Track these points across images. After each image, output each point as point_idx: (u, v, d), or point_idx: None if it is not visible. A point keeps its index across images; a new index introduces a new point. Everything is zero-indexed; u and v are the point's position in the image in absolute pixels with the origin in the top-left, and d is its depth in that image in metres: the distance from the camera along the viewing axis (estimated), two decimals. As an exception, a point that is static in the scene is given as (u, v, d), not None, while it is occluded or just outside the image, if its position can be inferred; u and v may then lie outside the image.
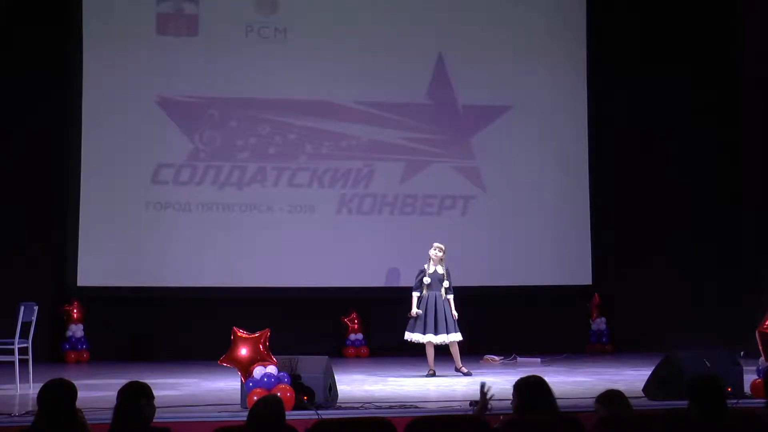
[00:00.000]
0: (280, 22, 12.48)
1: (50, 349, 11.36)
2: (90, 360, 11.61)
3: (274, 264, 12.16)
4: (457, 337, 9.81)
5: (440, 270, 9.92)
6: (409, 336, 9.89)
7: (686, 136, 13.10)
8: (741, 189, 12.98)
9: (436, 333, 9.78)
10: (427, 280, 9.85)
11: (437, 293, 9.87)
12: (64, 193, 11.86)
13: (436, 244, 10.00)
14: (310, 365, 7.28)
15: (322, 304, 12.29)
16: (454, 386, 9.09)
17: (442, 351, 9.95)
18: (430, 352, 9.88)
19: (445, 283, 9.89)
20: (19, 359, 8.65)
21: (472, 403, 6.74)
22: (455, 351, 9.88)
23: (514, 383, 4.88)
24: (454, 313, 9.85)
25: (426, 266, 9.93)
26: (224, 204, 12.22)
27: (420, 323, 9.81)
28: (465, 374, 9.77)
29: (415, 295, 9.89)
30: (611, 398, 4.90)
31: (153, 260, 11.93)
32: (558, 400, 4.92)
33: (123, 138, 11.99)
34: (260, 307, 11.56)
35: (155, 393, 4.71)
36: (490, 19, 12.91)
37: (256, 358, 7.04)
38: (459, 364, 9.89)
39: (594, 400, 4.97)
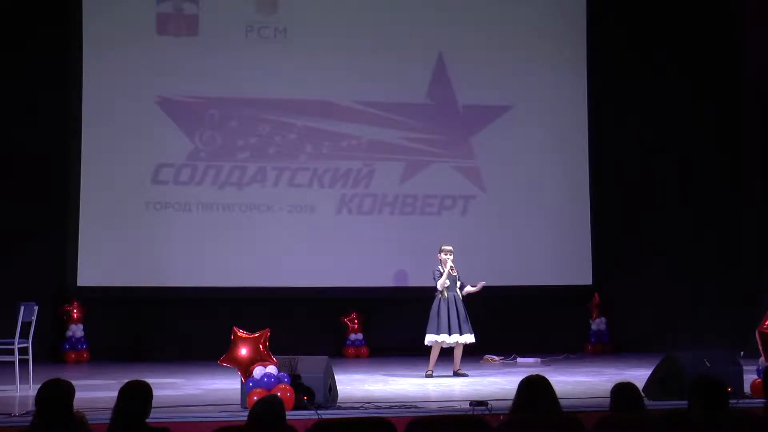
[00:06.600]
0: (280, 22, 12.48)
1: (50, 349, 11.36)
2: (90, 360, 11.61)
3: (274, 264, 12.16)
4: (472, 338, 9.88)
5: (454, 271, 9.91)
6: (433, 339, 9.79)
7: (686, 137, 13.10)
8: (741, 189, 12.98)
9: (461, 333, 9.80)
10: (446, 282, 9.84)
11: (454, 294, 9.88)
12: (64, 193, 11.85)
13: (445, 247, 9.98)
14: (310, 365, 7.28)
15: (322, 304, 12.30)
16: (453, 386, 9.10)
17: (441, 351, 9.94)
18: (436, 353, 9.88)
19: (458, 283, 9.93)
20: (19, 359, 8.65)
21: (472, 403, 6.75)
22: (459, 353, 9.91)
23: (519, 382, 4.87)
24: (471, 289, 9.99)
25: (440, 268, 9.91)
26: (224, 204, 12.22)
27: (444, 325, 9.77)
28: (462, 376, 9.79)
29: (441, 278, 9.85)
30: (622, 390, 4.90)
31: (153, 260, 11.93)
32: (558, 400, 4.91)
33: (123, 138, 11.99)
34: (260, 307, 11.57)
35: (155, 393, 4.71)
36: (490, 19, 12.92)
37: (256, 358, 7.04)
38: (458, 365, 9.92)
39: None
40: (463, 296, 9.98)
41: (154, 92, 12.13)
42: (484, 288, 10.15)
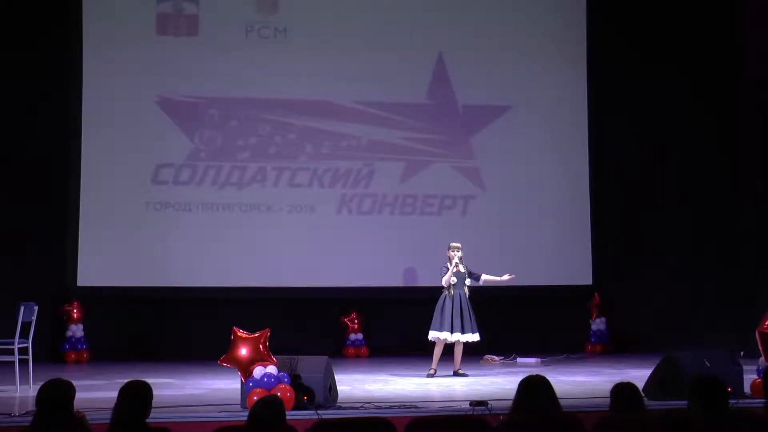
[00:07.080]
0: (280, 22, 12.48)
1: (50, 349, 11.35)
2: (90, 360, 11.61)
3: (274, 264, 12.16)
4: (477, 337, 9.87)
5: (462, 269, 9.92)
6: (436, 335, 9.81)
7: (686, 137, 13.10)
8: (741, 189, 12.98)
9: (462, 332, 9.80)
10: (453, 279, 9.84)
11: (461, 292, 9.88)
12: (64, 193, 11.85)
13: (453, 244, 9.98)
14: (310, 365, 7.29)
15: (322, 304, 12.29)
16: (454, 386, 9.10)
17: (443, 351, 9.95)
18: (440, 351, 9.87)
19: (468, 281, 9.93)
20: (19, 359, 8.64)
21: (472, 403, 6.75)
22: (460, 352, 9.90)
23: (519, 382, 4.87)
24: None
25: (448, 265, 9.91)
26: (224, 204, 12.22)
27: (447, 322, 9.78)
28: (462, 376, 9.79)
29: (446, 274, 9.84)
30: (622, 390, 4.90)
31: (153, 260, 11.93)
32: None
33: (123, 138, 11.99)
34: (260, 307, 11.57)
35: (155, 392, 4.71)
36: (490, 19, 12.92)
37: (256, 358, 7.04)
38: (458, 366, 9.92)
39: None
40: (480, 286, 9.98)
41: (154, 92, 12.13)
42: (486, 288, 10.15)
